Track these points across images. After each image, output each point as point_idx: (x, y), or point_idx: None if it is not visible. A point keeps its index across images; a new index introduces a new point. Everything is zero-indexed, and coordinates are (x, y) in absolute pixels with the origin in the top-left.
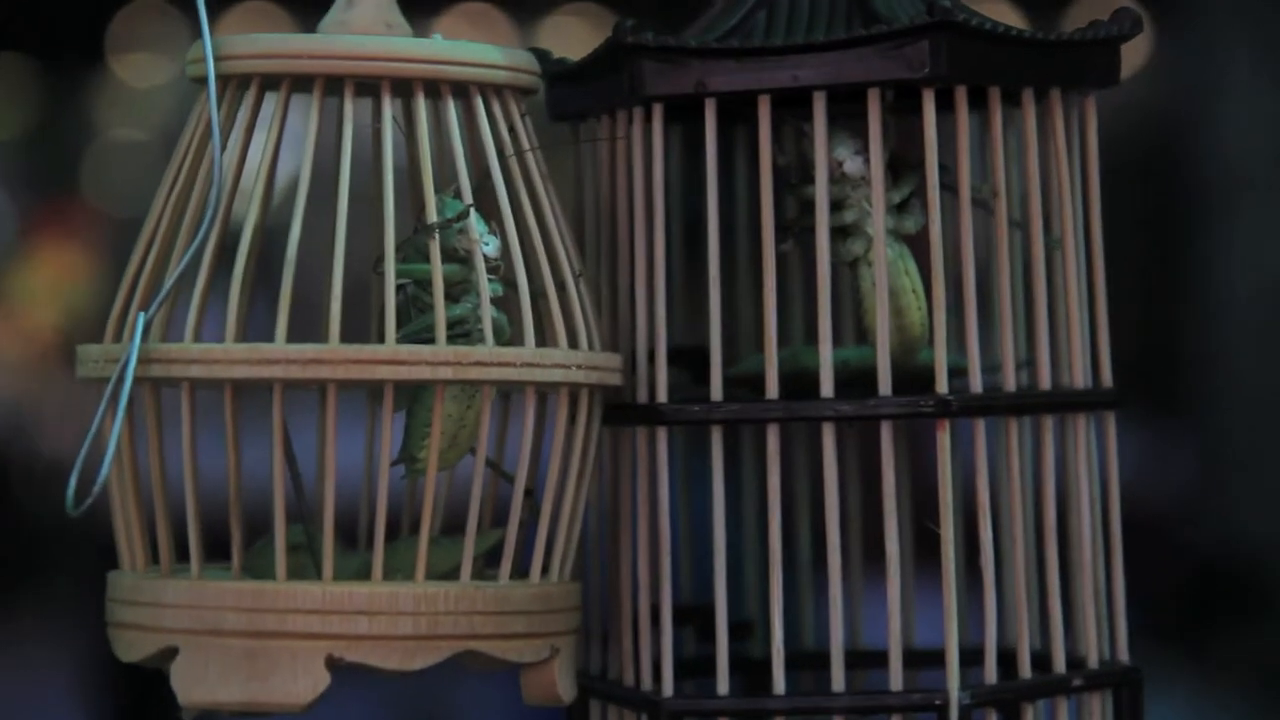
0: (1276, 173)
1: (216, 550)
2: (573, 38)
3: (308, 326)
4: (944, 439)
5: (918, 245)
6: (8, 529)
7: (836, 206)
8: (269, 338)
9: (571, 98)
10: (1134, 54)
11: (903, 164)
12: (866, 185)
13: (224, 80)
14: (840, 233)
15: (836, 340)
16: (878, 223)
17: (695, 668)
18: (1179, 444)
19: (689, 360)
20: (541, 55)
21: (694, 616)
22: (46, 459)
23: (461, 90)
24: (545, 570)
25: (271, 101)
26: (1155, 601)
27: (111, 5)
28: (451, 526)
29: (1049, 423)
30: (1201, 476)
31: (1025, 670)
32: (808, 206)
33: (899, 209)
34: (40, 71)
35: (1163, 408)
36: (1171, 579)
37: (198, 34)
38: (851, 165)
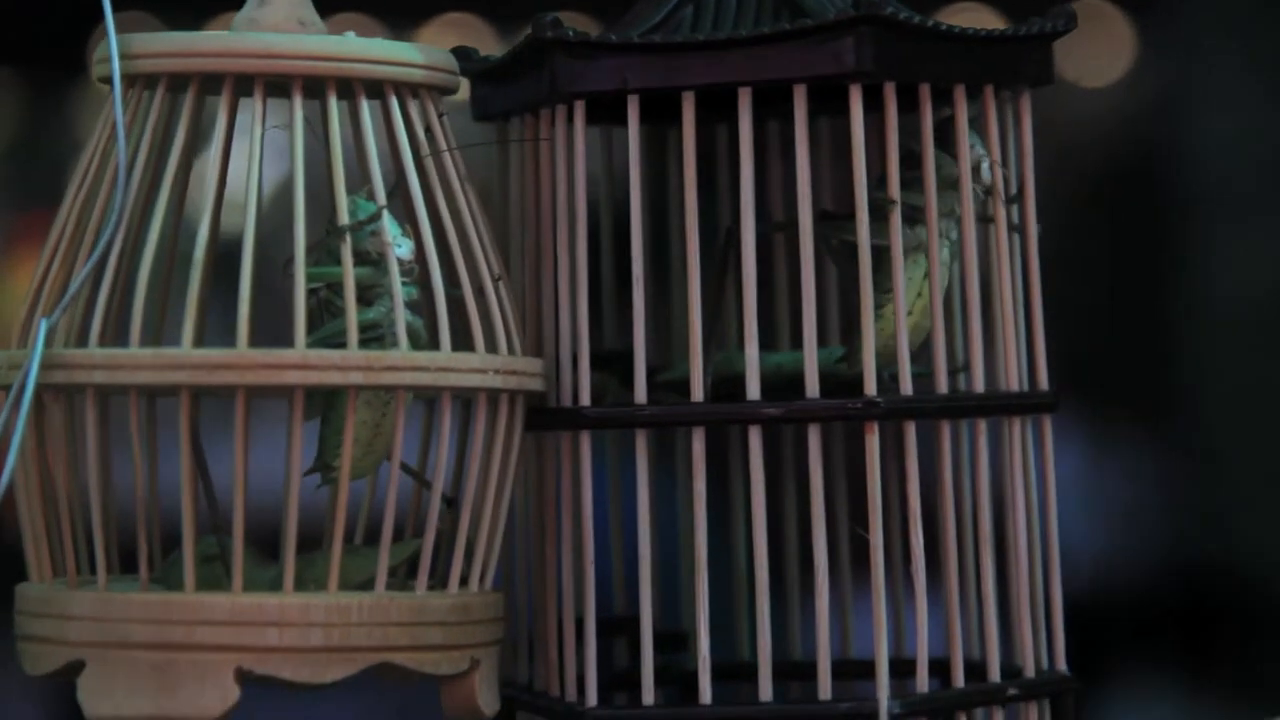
0: (1261, 182)
1: (133, 562)
2: None
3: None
4: (872, 441)
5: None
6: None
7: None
8: (230, 341)
9: (494, 97)
10: (1118, 60)
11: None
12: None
13: (130, 80)
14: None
15: (774, 344)
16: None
17: (631, 678)
18: (1167, 450)
19: (621, 364)
20: (463, 54)
21: (628, 626)
22: None
23: (376, 89)
24: (464, 580)
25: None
26: (1141, 608)
27: (93, 16)
28: (375, 535)
29: (982, 426)
30: (1189, 481)
31: (959, 680)
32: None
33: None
34: (22, 83)
35: (1150, 413)
36: (1160, 585)
37: None
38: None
